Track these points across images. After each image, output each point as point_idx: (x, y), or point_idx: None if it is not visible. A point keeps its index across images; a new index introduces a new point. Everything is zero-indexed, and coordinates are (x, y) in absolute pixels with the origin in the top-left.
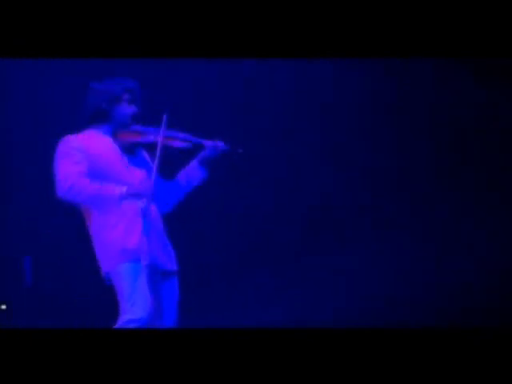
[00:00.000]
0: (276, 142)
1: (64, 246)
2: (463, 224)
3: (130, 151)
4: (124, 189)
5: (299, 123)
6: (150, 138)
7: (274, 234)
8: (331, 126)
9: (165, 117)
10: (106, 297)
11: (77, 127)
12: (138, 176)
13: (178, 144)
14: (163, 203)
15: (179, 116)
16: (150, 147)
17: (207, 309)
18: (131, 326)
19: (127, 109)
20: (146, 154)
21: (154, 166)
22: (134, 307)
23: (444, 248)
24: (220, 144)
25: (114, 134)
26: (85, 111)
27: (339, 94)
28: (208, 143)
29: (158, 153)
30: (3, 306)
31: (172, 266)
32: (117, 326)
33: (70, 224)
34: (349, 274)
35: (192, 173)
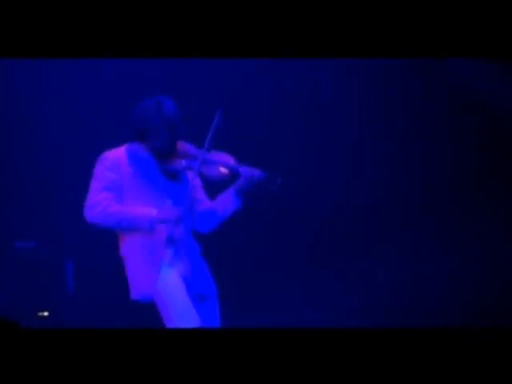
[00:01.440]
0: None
1: (106, 251)
2: (473, 227)
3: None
4: (154, 213)
5: (320, 130)
6: (188, 164)
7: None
8: (350, 130)
9: (207, 140)
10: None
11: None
12: (172, 196)
13: (214, 173)
14: (201, 225)
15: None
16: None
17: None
18: None
19: (168, 136)
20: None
21: (188, 195)
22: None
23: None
24: (257, 173)
25: (156, 154)
26: (131, 127)
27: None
28: (245, 170)
29: (190, 187)
30: (46, 313)
31: (209, 290)
32: None
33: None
34: (377, 276)
35: (227, 202)
